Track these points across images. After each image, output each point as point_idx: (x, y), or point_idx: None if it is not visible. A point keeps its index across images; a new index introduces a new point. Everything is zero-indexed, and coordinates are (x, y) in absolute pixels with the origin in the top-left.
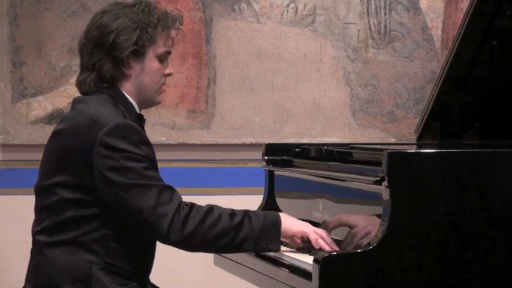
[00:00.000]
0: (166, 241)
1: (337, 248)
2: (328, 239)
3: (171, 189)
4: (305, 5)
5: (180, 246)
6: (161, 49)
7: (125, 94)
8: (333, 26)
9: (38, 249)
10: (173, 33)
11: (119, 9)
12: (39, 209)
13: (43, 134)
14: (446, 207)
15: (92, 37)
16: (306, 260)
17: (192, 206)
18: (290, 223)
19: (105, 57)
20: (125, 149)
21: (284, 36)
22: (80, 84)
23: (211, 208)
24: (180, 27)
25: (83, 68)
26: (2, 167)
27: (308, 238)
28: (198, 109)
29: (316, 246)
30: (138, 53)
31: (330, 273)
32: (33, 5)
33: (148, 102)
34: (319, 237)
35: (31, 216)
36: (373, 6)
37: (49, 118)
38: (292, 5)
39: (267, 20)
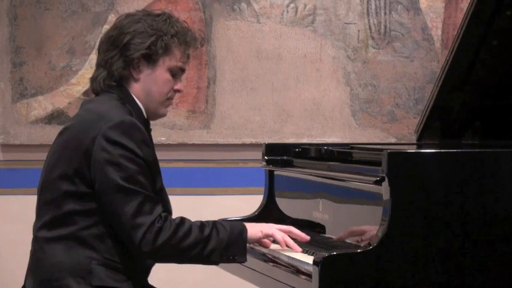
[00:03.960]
0: (138, 251)
1: (307, 238)
2: (296, 231)
3: (154, 200)
4: (305, 5)
5: (151, 257)
6: (175, 62)
7: (133, 96)
8: (333, 26)
9: (38, 245)
10: (190, 50)
11: (142, 15)
12: (41, 205)
13: (43, 134)
14: (446, 207)
15: (110, 36)
16: (306, 260)
17: (165, 218)
18: (255, 229)
19: (117, 55)
20: (126, 145)
21: (284, 36)
22: (92, 81)
23: (182, 221)
24: (199, 47)
25: (98, 65)
26: (2, 167)
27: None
28: (198, 109)
29: (284, 246)
30: (150, 59)
31: (330, 273)
32: (33, 5)
33: (153, 113)
34: (285, 235)
35: (31, 216)
36: (373, 6)
37: (49, 118)
38: (292, 5)
39: (267, 20)
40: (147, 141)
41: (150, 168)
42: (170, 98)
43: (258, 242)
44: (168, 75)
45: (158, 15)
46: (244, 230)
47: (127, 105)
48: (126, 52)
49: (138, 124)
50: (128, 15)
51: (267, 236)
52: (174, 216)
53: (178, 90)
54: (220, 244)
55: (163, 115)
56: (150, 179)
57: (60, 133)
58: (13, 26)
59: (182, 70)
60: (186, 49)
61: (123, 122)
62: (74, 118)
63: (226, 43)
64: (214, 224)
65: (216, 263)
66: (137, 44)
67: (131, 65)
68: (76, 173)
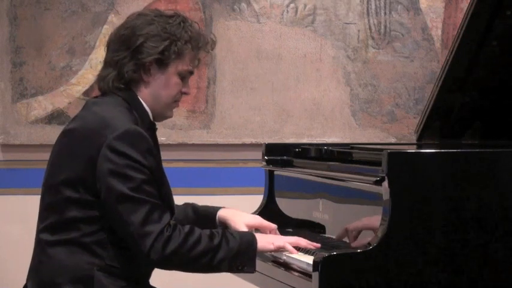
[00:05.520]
0: (147, 259)
1: (317, 245)
2: (304, 243)
3: (161, 208)
4: (305, 5)
5: (159, 266)
6: (185, 67)
7: (141, 100)
8: (333, 26)
9: (40, 247)
10: (201, 55)
11: (154, 15)
12: (44, 207)
13: (43, 134)
14: (446, 207)
15: (121, 35)
16: (306, 260)
17: (174, 227)
18: (266, 241)
19: (129, 57)
20: (131, 156)
21: (284, 36)
22: (99, 80)
23: (191, 229)
24: (211, 51)
25: (106, 63)
26: (2, 167)
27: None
28: (198, 109)
29: (295, 253)
30: (162, 63)
31: (330, 273)
32: (33, 5)
33: (160, 115)
34: (294, 247)
35: (31, 216)
36: (373, 6)
37: (49, 118)
38: (292, 5)
39: (267, 20)
40: (151, 150)
41: (155, 176)
42: (177, 101)
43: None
44: (177, 79)
45: (171, 16)
46: (254, 240)
47: (133, 112)
48: (138, 55)
49: (143, 133)
50: (140, 15)
51: (279, 249)
52: None
53: (185, 93)
54: (230, 253)
55: (170, 117)
56: (156, 188)
57: (64, 134)
58: (13, 26)
59: (191, 73)
60: (198, 54)
61: (128, 132)
62: (79, 119)
63: (226, 43)
64: (224, 233)
65: (224, 271)
66: (150, 48)
67: (142, 69)
68: (80, 181)
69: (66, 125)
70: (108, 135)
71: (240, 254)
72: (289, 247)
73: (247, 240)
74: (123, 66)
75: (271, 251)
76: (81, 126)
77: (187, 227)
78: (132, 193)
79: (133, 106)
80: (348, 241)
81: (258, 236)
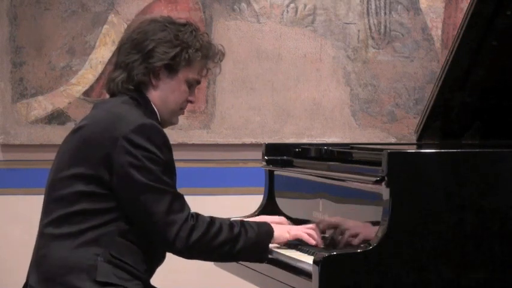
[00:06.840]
0: (171, 248)
1: (322, 245)
2: (315, 236)
3: (182, 198)
4: (305, 5)
5: (183, 255)
6: (194, 75)
7: (150, 100)
8: (333, 26)
9: (44, 241)
10: (210, 65)
11: (168, 22)
12: (50, 202)
13: (43, 134)
14: (446, 207)
15: (133, 39)
16: (306, 260)
17: (197, 216)
18: (282, 230)
19: (140, 61)
20: (148, 149)
21: (284, 36)
22: (109, 82)
23: (213, 219)
24: (219, 62)
25: (116, 66)
26: (2, 167)
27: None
28: (198, 109)
29: (312, 243)
30: (171, 69)
31: (330, 273)
32: (33, 5)
33: (166, 121)
34: (311, 237)
35: (31, 216)
36: (373, 6)
37: (49, 118)
38: (292, 5)
39: (267, 20)
40: (167, 143)
41: (170, 169)
42: (182, 108)
43: (284, 243)
44: (184, 87)
45: (183, 25)
46: (271, 230)
47: (143, 109)
48: (149, 59)
49: (158, 127)
50: (153, 21)
51: (295, 238)
52: None
53: (191, 101)
54: (248, 243)
55: (175, 123)
56: (174, 179)
57: (74, 131)
58: (13, 26)
59: (198, 82)
60: (207, 64)
61: (144, 125)
62: (89, 117)
63: (226, 43)
64: (243, 223)
65: (243, 260)
66: (161, 53)
67: (152, 72)
68: (93, 174)
69: (75, 125)
70: (124, 129)
71: (258, 243)
72: (305, 236)
73: (265, 230)
74: (133, 69)
75: (287, 239)
76: (93, 122)
77: (208, 217)
78: (154, 183)
79: (143, 104)
80: (344, 240)
81: (274, 225)
